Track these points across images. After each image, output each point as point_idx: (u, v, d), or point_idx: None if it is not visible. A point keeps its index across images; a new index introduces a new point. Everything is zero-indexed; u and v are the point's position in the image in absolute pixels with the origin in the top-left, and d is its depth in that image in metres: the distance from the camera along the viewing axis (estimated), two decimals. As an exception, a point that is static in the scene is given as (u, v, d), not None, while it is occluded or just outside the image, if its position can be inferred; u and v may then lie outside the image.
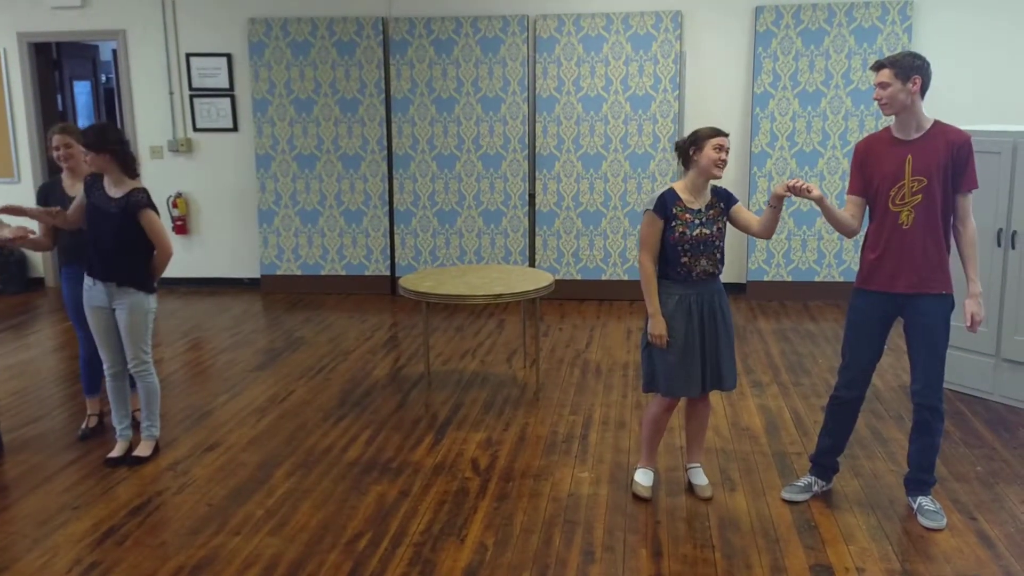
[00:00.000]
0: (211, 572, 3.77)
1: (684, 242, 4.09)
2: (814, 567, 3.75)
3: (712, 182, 4.19)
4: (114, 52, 9.14)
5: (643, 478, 4.44)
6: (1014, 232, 5.37)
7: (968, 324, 4.03)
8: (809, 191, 3.88)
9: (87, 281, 4.78)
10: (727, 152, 4.08)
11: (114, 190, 4.68)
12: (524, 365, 6.48)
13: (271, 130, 8.71)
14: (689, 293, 4.15)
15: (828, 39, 8.01)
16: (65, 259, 5.16)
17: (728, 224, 4.24)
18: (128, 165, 4.71)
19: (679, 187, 4.18)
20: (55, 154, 5.06)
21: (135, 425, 5.08)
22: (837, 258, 8.13)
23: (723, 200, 4.21)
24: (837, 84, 8.03)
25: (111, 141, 4.63)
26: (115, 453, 4.92)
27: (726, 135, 4.10)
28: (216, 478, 4.68)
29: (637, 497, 4.36)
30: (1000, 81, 7.87)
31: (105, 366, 4.91)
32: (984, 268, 5.49)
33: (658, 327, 4.14)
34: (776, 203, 4.02)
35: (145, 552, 3.94)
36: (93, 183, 4.73)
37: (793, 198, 3.97)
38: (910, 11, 7.88)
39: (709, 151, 4.05)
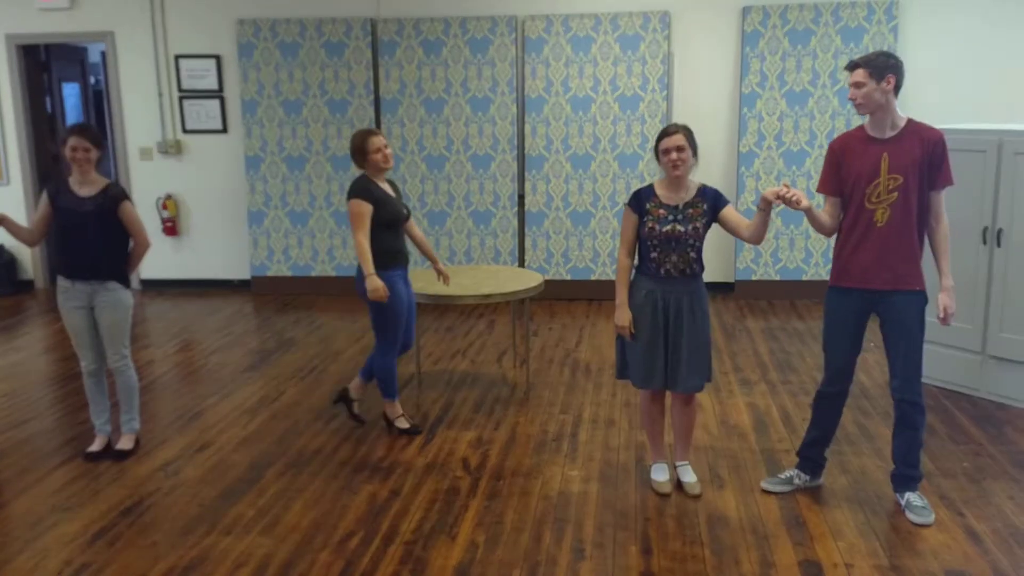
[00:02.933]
0: (202, 572, 3.77)
1: (653, 237, 4.14)
2: (802, 563, 3.77)
3: (701, 182, 4.24)
4: (103, 54, 9.12)
5: (658, 474, 4.48)
6: (999, 230, 5.42)
7: (941, 317, 4.09)
8: (799, 202, 3.86)
9: (63, 282, 4.80)
10: (677, 150, 4.08)
11: (84, 189, 4.72)
12: (514, 365, 6.50)
13: (260, 131, 8.71)
14: (656, 289, 4.19)
15: (815, 39, 8.05)
16: (390, 262, 4.95)
17: (718, 226, 4.26)
18: (101, 162, 4.83)
19: (658, 183, 4.24)
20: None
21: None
22: (824, 257, 8.17)
23: (709, 201, 4.20)
24: (824, 84, 8.07)
25: (101, 139, 4.77)
26: (94, 447, 4.97)
27: (671, 134, 4.11)
28: (207, 478, 4.69)
29: (657, 494, 4.39)
30: (985, 80, 7.92)
31: (83, 364, 4.93)
32: (970, 266, 5.55)
33: (621, 318, 4.22)
34: (764, 207, 3.99)
35: (136, 553, 3.94)
36: (58, 188, 4.75)
37: (781, 205, 3.98)
38: (896, 11, 7.93)
39: (660, 155, 4.14)
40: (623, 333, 4.24)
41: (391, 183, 5.13)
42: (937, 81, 7.98)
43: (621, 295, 4.25)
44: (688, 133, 4.13)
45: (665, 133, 4.13)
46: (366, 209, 4.83)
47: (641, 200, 4.20)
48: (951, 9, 7.94)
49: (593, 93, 8.31)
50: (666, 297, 4.18)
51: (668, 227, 4.14)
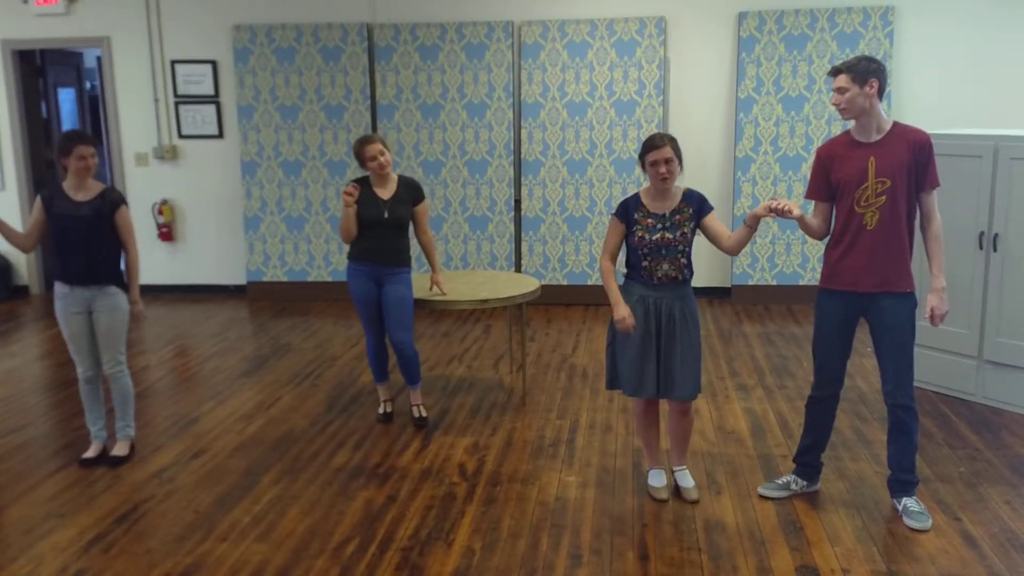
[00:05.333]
0: (198, 579, 3.76)
1: (644, 246, 4.14)
2: (800, 568, 3.77)
3: (685, 186, 4.26)
4: (99, 59, 9.12)
5: (656, 480, 4.47)
6: (995, 235, 5.42)
7: (928, 316, 4.07)
8: (790, 211, 3.91)
9: (61, 288, 4.79)
10: (666, 163, 4.09)
11: (80, 194, 4.72)
12: (511, 370, 6.49)
13: (256, 137, 8.70)
14: (648, 295, 4.19)
15: (811, 44, 8.06)
16: (355, 256, 5.34)
17: (700, 233, 4.26)
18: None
19: (644, 192, 4.24)
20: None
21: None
22: (821, 262, 8.16)
23: (695, 205, 4.21)
24: (820, 89, 8.07)
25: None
26: (90, 454, 4.96)
27: (658, 146, 4.09)
28: (202, 485, 4.67)
29: (655, 500, 4.38)
30: (981, 85, 7.93)
31: (79, 370, 4.93)
32: (966, 271, 5.55)
33: (620, 311, 4.17)
34: (752, 223, 4.04)
35: (131, 560, 3.92)
36: (52, 194, 4.75)
37: (774, 216, 4.01)
38: (891, 16, 7.94)
39: (648, 167, 4.13)
40: (624, 326, 4.15)
41: (406, 185, 5.40)
42: (933, 86, 7.99)
43: (614, 293, 4.23)
44: (674, 143, 4.14)
45: (652, 146, 4.11)
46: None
47: (628, 210, 4.21)
48: (947, 14, 7.95)
49: (589, 98, 8.32)
50: (658, 303, 4.18)
51: (657, 235, 4.14)
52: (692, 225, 4.19)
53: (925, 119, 7.59)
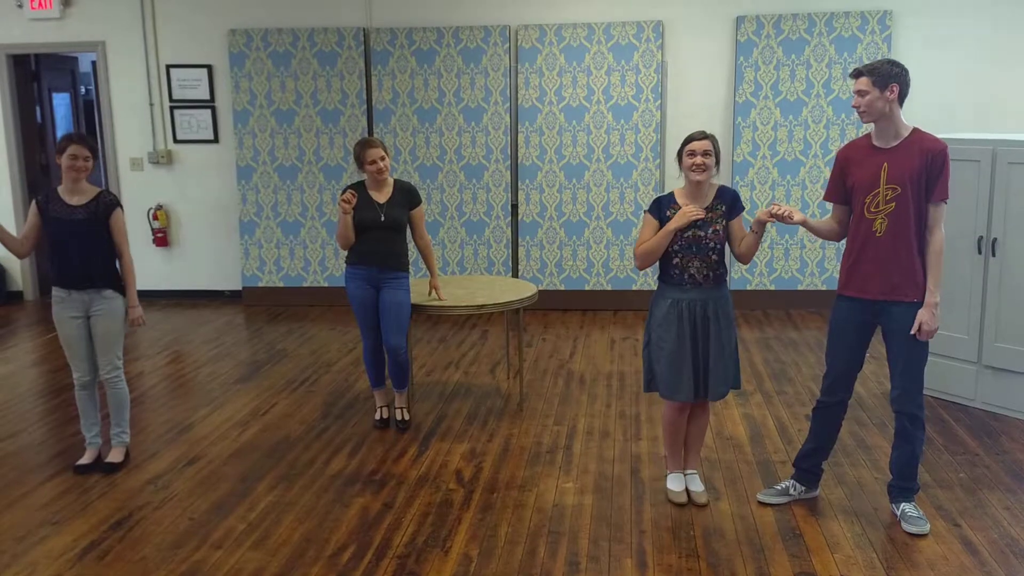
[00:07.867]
0: (192, 587, 3.73)
1: (674, 243, 4.13)
2: (799, 575, 3.74)
3: (720, 184, 4.27)
4: (93, 63, 9.09)
5: (674, 484, 4.45)
6: (994, 239, 5.41)
7: (915, 330, 3.98)
8: (791, 217, 3.95)
9: (58, 293, 4.76)
10: (702, 155, 4.09)
11: (74, 198, 4.70)
12: (508, 376, 6.46)
13: (252, 141, 8.67)
14: (681, 298, 4.17)
15: (808, 48, 8.05)
16: (352, 260, 5.35)
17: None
18: (92, 172, 4.80)
19: (678, 191, 4.26)
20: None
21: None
22: (819, 267, 8.15)
23: (727, 202, 4.22)
24: (818, 93, 8.07)
25: (96, 150, 4.78)
26: (85, 460, 4.93)
27: (698, 139, 4.12)
28: (197, 492, 4.64)
29: (672, 504, 4.36)
30: (979, 90, 7.93)
31: (76, 376, 4.89)
32: (965, 276, 5.53)
33: (680, 216, 4.11)
34: (758, 228, 4.09)
35: (126, 567, 3.89)
36: (47, 198, 4.74)
37: (775, 222, 4.02)
38: (889, 21, 7.93)
39: (684, 157, 4.14)
40: (694, 215, 4.10)
41: (402, 189, 5.41)
42: (931, 91, 7.96)
43: (663, 233, 4.13)
44: (714, 140, 4.17)
45: (692, 138, 4.15)
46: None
47: (661, 207, 4.22)
48: (944, 19, 7.95)
49: (586, 103, 8.30)
50: (692, 305, 4.17)
51: (689, 232, 4.13)
52: (724, 223, 4.20)
53: (922, 123, 7.55)
